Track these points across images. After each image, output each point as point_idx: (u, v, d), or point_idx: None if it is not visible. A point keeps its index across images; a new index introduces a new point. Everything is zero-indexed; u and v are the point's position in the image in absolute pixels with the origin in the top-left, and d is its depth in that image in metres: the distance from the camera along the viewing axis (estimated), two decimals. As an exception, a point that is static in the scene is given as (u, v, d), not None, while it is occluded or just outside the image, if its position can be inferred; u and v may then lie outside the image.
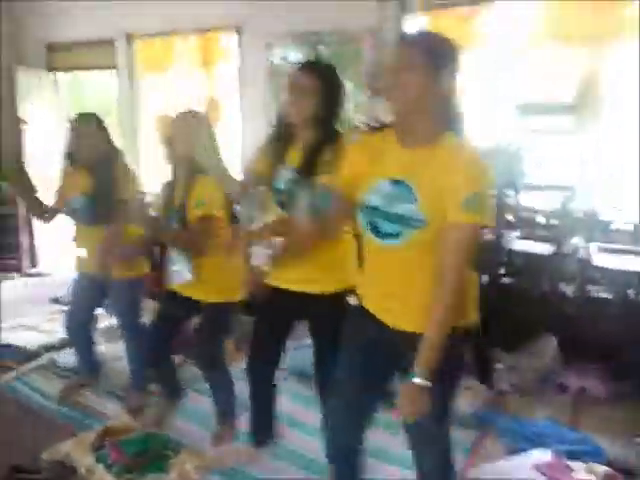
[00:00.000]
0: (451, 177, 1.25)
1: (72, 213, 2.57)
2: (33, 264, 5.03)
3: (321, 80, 1.76)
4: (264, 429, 2.21)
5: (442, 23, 3.71)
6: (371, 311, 1.46)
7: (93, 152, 2.43)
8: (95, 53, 5.12)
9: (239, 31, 4.35)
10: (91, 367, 2.83)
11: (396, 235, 1.32)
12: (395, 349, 1.42)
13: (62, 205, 2.60)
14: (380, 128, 1.72)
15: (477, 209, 1.24)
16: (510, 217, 3.22)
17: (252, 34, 4.28)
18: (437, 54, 1.27)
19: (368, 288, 1.50)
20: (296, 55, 4.15)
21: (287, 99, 1.80)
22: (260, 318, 2.05)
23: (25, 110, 4.85)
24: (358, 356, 1.51)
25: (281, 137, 1.88)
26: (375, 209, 1.35)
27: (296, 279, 1.86)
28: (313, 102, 1.75)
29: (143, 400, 2.62)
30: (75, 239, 2.65)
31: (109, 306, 2.87)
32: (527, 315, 2.92)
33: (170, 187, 2.21)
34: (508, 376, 2.70)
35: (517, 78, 3.69)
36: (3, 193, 4.88)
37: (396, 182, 1.33)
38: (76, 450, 2.12)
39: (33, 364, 3.09)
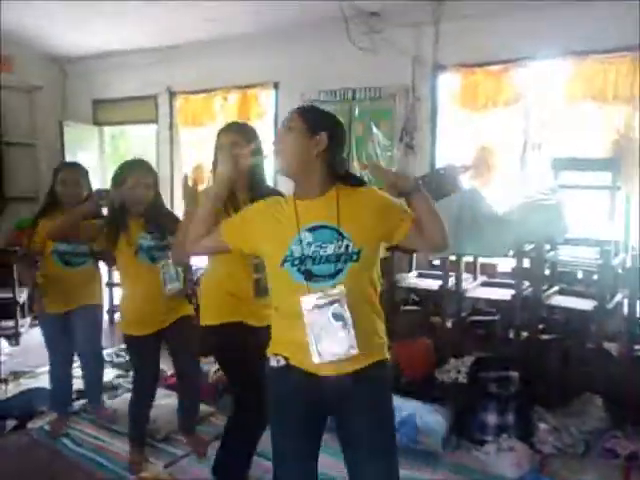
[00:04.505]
0: None
1: None
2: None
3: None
4: None
5: (474, 80, 3.80)
6: None
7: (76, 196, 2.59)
8: (138, 108, 5.40)
9: (276, 86, 4.57)
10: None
11: None
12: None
13: None
14: None
15: None
16: (548, 272, 3.18)
17: (289, 89, 4.47)
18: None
19: None
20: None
21: None
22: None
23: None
24: None
25: None
26: None
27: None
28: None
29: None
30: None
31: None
32: (569, 373, 2.82)
33: None
34: (552, 437, 2.57)
35: (551, 134, 3.72)
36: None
37: None
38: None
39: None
